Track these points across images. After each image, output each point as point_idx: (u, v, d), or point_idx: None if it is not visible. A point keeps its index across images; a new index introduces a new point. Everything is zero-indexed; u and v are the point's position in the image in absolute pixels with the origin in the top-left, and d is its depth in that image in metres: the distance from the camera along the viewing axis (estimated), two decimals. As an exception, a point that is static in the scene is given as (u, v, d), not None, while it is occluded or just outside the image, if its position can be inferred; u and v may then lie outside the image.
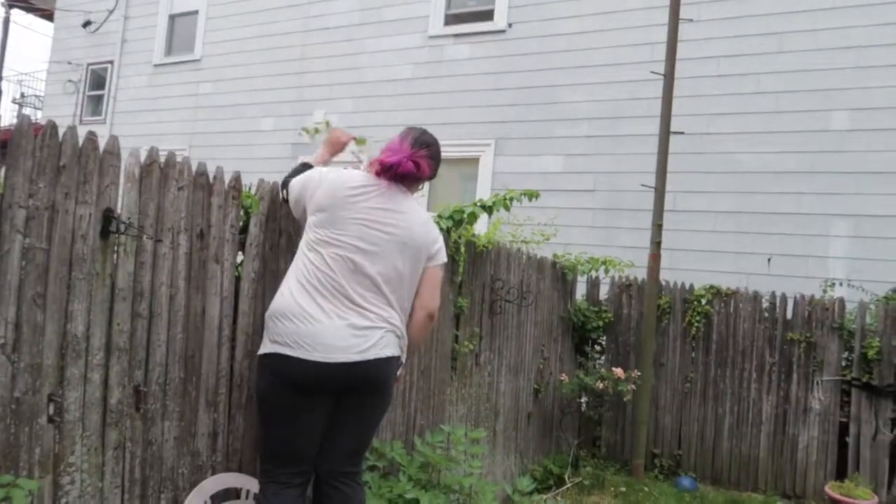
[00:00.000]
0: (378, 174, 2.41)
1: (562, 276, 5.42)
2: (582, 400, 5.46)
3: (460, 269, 3.83)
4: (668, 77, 5.43)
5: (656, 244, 5.42)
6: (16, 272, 1.80)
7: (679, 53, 5.46)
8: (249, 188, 2.62)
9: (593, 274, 5.79)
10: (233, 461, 2.45)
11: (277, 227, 2.66)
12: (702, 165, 6.62)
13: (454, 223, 3.64)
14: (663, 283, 5.65)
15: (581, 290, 5.90)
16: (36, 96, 14.10)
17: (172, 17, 10.42)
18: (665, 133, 5.46)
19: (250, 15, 9.51)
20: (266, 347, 2.29)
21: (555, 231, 5.34)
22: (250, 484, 2.38)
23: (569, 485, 4.77)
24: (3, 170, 1.84)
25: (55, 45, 11.76)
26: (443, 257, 2.53)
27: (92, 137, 2.02)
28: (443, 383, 3.71)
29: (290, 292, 2.27)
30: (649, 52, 6.77)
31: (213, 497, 2.27)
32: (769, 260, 6.22)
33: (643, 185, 5.75)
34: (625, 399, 5.15)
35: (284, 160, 8.82)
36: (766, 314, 5.33)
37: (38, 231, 1.85)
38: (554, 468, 4.90)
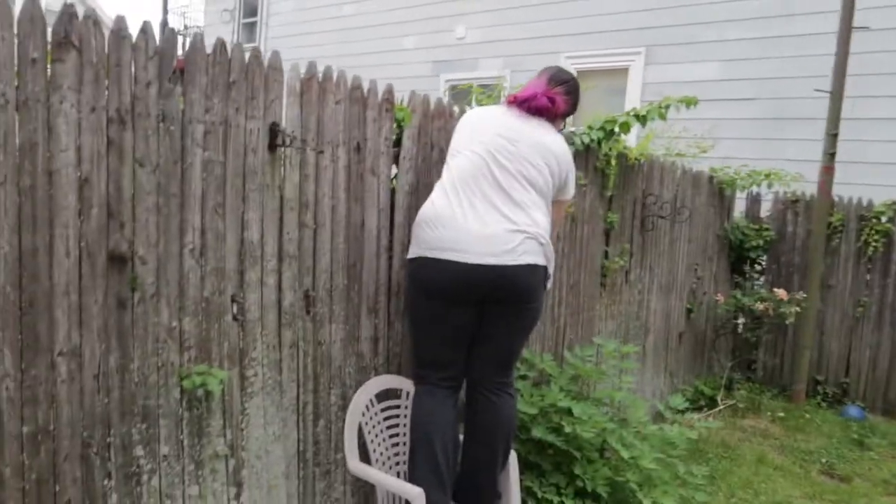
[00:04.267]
0: (510, 105, 2.47)
1: (719, 191, 5.07)
2: (738, 321, 5.20)
3: (611, 184, 3.69)
4: (855, -38, 4.74)
5: (830, 155, 4.89)
6: (198, 183, 1.95)
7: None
8: (402, 101, 2.64)
9: (754, 189, 5.36)
10: (392, 364, 2.59)
11: (429, 140, 2.67)
12: (888, 66, 5.81)
13: (605, 134, 3.48)
14: (836, 198, 5.13)
15: (740, 207, 5.51)
16: (197, 27, 15.01)
17: (316, -61, 10.54)
18: (846, 29, 4.81)
19: (390, -71, 9.39)
20: (410, 254, 2.38)
21: (712, 143, 4.96)
22: (408, 386, 2.50)
23: (721, 407, 4.62)
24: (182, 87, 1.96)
25: (211, -24, 12.35)
26: (573, 191, 2.58)
27: (257, 54, 2.09)
28: (592, 299, 3.65)
29: (432, 201, 2.36)
30: (831, -66, 5.91)
31: (376, 395, 2.42)
32: (970, 172, 5.43)
33: (817, 90, 5.15)
34: (787, 322, 4.82)
35: (427, 78, 8.84)
36: (963, 233, 4.71)
37: (214, 145, 1.98)
38: (706, 389, 4.75)
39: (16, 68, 1.58)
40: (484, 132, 2.40)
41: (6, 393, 1.56)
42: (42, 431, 1.63)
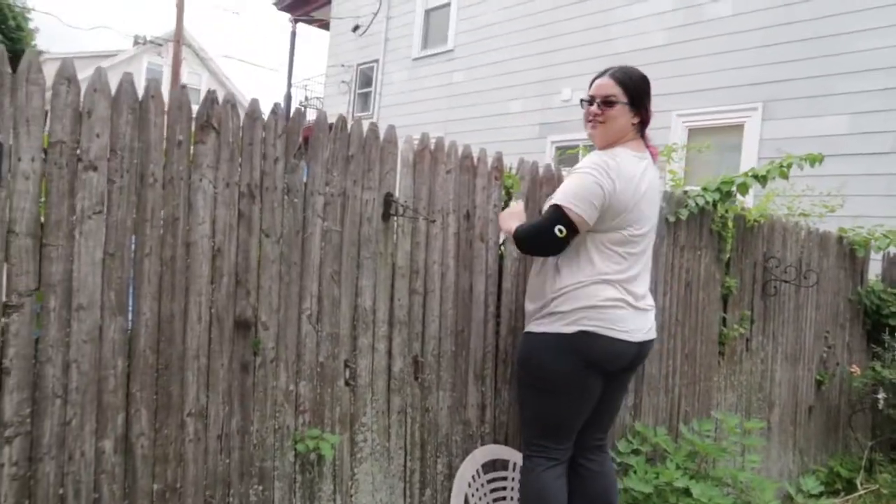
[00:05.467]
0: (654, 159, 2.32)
1: (850, 252, 4.71)
2: (879, 396, 4.73)
3: (728, 247, 3.53)
4: None
5: (980, 214, 4.46)
6: (317, 252, 2.05)
7: None
8: (510, 169, 2.68)
9: (891, 250, 4.94)
10: (499, 433, 2.55)
11: (537, 206, 2.68)
12: None
13: (721, 195, 3.36)
14: None
15: (875, 270, 5.09)
16: (317, 98, 16.07)
17: (428, 12, 11.09)
18: None
19: None
20: (568, 328, 2.16)
21: (841, 202, 4.66)
22: (516, 457, 2.45)
23: (862, 492, 4.17)
24: (305, 162, 2.09)
25: (330, 51, 13.24)
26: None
27: (373, 128, 2.21)
28: (709, 369, 3.46)
29: (592, 280, 2.16)
30: (970, -21, 5.55)
31: (483, 466, 2.39)
32: None
33: (961, 144, 4.75)
34: (936, 398, 4.34)
35: (533, 140, 8.94)
36: None
37: (333, 215, 2.09)
38: (842, 471, 4.32)
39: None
40: (640, 213, 2.18)
41: (141, 451, 1.68)
42: (170, 489, 1.73)
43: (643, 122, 2.27)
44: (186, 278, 1.78)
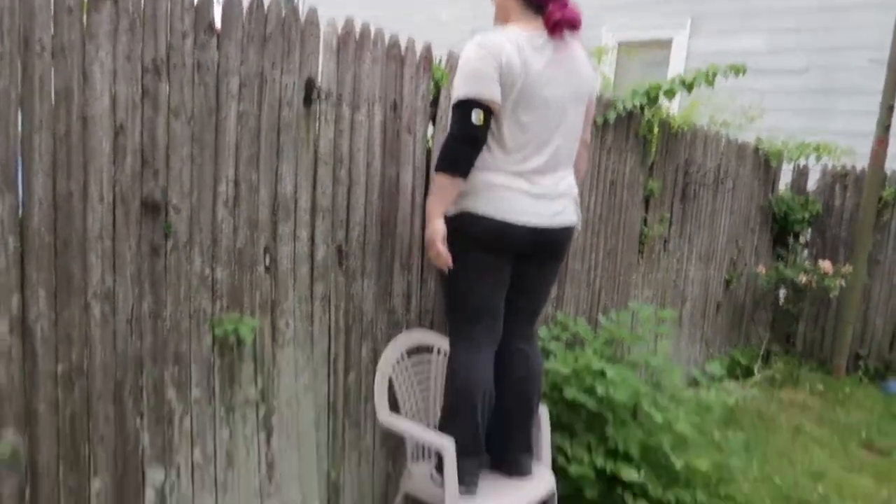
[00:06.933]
0: (555, 33, 2.15)
1: (764, 162, 4.92)
2: (780, 293, 5.07)
3: (652, 150, 3.60)
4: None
5: (885, 128, 4.68)
6: (232, 135, 1.95)
7: None
8: (439, 61, 2.59)
9: (801, 162, 5.18)
10: (424, 321, 2.58)
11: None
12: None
13: (648, 100, 3.39)
14: (888, 172, 4.93)
15: (785, 179, 5.33)
16: None
17: None
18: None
19: None
20: (451, 209, 2.18)
21: (759, 113, 4.80)
22: (440, 342, 2.48)
23: (758, 377, 4.52)
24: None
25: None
26: (597, 87, 2.49)
27: (294, 8, 2.08)
28: (629, 266, 3.59)
29: (487, 168, 2.16)
30: None
31: (407, 350, 2.42)
32: None
33: (871, 61, 4.94)
34: (831, 295, 4.68)
35: (466, 22, 8.68)
36: None
37: (249, 97, 1.97)
38: (742, 360, 4.67)
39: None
40: (532, 92, 2.10)
41: (41, 333, 1.60)
42: (76, 370, 1.67)
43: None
44: (84, 155, 1.65)
